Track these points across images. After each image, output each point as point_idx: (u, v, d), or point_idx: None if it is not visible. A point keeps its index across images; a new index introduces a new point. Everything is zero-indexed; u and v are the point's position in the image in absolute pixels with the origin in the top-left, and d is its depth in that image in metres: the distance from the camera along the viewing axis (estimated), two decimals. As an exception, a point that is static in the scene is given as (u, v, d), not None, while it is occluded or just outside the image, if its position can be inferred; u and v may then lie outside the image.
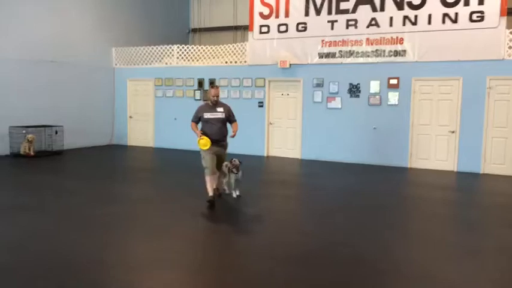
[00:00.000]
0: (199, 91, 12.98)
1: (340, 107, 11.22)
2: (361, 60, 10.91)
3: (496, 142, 9.84)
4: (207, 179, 6.57)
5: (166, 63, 13.62)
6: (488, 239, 5.35)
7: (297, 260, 4.42)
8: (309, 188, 8.46)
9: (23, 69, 11.52)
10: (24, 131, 11.10)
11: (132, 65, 14.12)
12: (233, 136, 6.68)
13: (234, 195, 6.95)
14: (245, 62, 12.40)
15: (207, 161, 6.56)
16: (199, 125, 6.78)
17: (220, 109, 6.65)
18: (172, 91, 13.45)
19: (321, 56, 11.35)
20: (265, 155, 12.21)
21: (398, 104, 10.59)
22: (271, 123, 12.17)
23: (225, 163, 6.96)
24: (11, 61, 11.23)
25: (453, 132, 10.14)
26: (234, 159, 6.83)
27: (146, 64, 13.88)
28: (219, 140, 6.63)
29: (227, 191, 7.21)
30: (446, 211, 6.75)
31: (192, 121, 6.78)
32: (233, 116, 6.86)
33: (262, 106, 12.19)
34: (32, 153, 11.07)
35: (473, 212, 6.70)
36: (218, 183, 6.96)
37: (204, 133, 6.53)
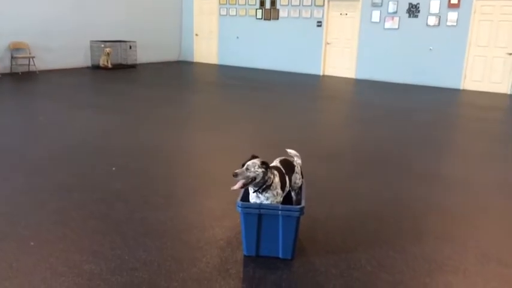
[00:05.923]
0: (260, 10, 13.46)
1: (397, 27, 11.32)
2: (422, -22, 10.79)
3: (555, 65, 9.72)
4: None
5: (230, -18, 14.06)
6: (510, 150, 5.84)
7: (332, 157, 5.27)
8: (357, 103, 9.07)
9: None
10: (102, 45, 12.37)
11: (198, -16, 14.70)
12: None
13: None
14: (306, -20, 12.59)
15: None
16: None
17: None
18: (236, 9, 14.01)
19: (381, -26, 11.32)
20: (321, 73, 12.73)
21: (457, 24, 10.54)
22: (328, 43, 12.54)
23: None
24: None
25: (511, 54, 10.05)
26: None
27: (211, -17, 14.40)
28: None
29: None
30: (485, 127, 7.15)
31: None
32: None
33: (320, 26, 12.51)
34: (109, 65, 12.40)
35: (509, 129, 7.08)
36: None
37: None
